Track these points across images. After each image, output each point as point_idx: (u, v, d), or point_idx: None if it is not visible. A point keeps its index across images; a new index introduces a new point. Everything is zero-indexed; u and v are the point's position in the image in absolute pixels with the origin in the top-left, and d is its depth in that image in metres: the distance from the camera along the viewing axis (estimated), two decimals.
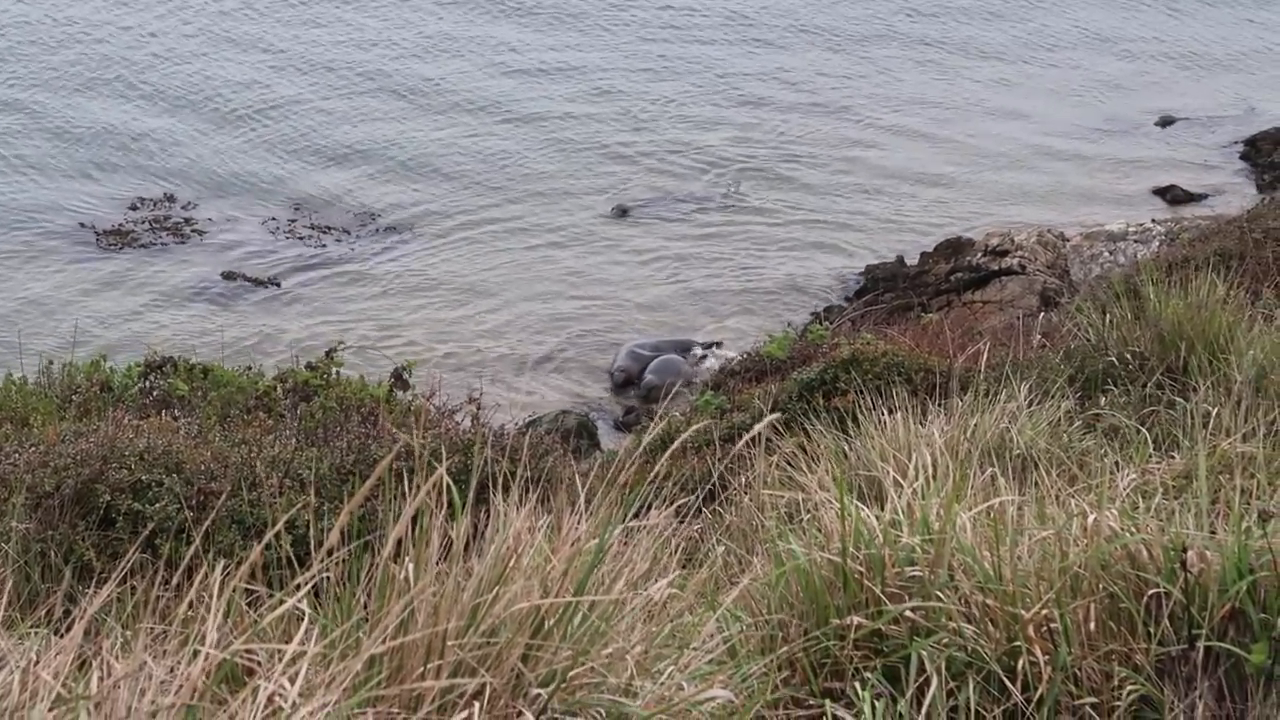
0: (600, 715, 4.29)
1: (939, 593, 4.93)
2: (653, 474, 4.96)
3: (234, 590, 4.07)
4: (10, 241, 23.02)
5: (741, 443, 5.79)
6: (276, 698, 3.76)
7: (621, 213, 24.68)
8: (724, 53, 31.67)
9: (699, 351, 20.40)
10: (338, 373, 11.70)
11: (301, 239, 23.61)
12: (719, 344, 20.54)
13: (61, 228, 23.48)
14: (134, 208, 24.21)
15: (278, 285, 22.17)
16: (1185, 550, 4.76)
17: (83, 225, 23.53)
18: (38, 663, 3.86)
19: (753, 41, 32.26)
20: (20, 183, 24.74)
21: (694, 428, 5.34)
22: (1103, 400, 9.53)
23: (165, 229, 23.64)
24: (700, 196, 25.55)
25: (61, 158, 25.54)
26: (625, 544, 4.82)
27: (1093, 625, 4.84)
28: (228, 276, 22.30)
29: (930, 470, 5.99)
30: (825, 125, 28.47)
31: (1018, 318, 15.27)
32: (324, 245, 23.44)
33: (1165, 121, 29.26)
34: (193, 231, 23.60)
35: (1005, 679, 4.73)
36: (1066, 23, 34.21)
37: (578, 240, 24.02)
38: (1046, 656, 4.74)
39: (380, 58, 30.38)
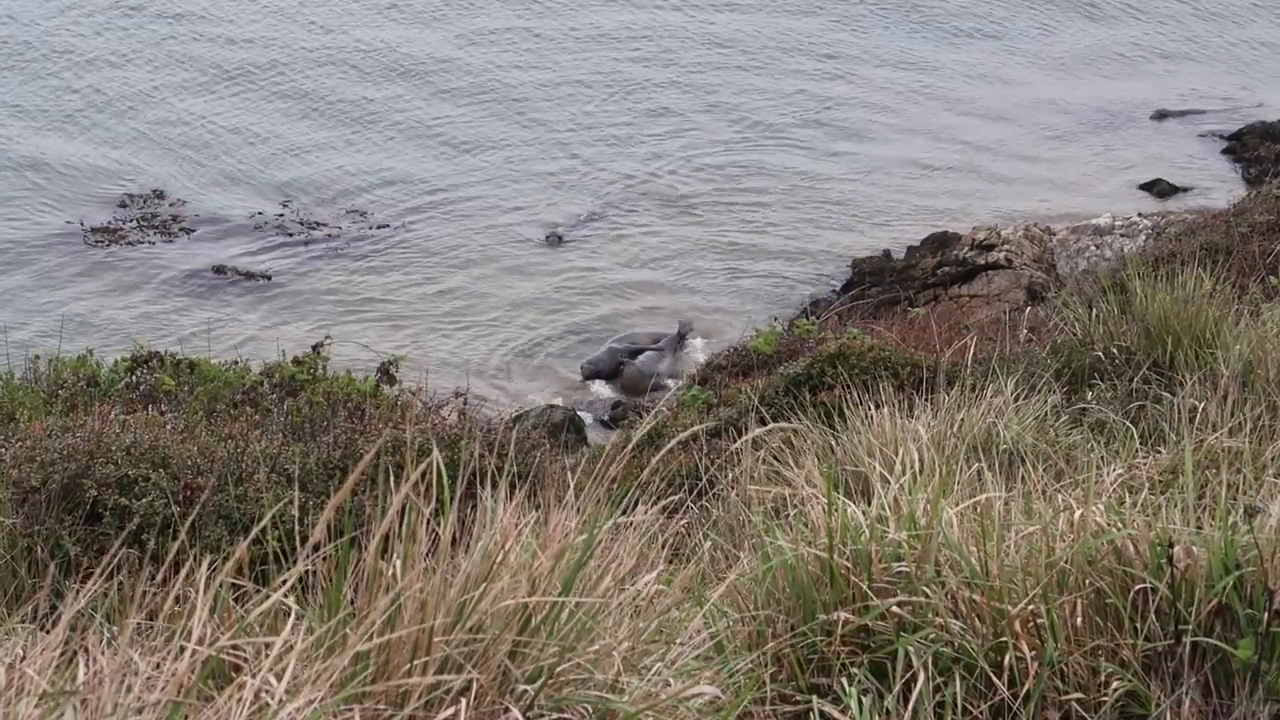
0: (587, 711, 4.28)
1: (926, 588, 4.93)
2: (643, 471, 4.95)
3: (220, 585, 4.06)
4: None
5: (736, 445, 5.79)
6: (263, 694, 3.76)
7: (563, 226, 24.38)
8: (692, 45, 31.64)
9: (697, 344, 20.42)
10: (324, 367, 11.69)
11: (290, 235, 23.57)
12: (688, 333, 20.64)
13: (49, 224, 23.42)
14: (122, 205, 24.15)
15: (267, 278, 22.14)
16: (1172, 545, 4.76)
17: (70, 223, 23.46)
18: (23, 658, 3.85)
19: (723, 37, 32.20)
20: (7, 180, 24.66)
21: (690, 430, 5.34)
22: (1089, 395, 9.53)
23: (153, 226, 23.59)
24: (687, 194, 25.53)
25: (48, 155, 25.46)
26: (613, 539, 4.81)
27: (1079, 621, 4.84)
28: (217, 271, 22.27)
29: (917, 465, 5.99)
30: (810, 120, 28.45)
31: (1004, 312, 15.29)
32: (312, 241, 23.41)
33: (1160, 115, 29.22)
34: (180, 229, 23.55)
35: (992, 674, 4.73)
36: (1059, 16, 34.15)
37: (567, 236, 23.99)
38: (1033, 652, 4.75)
39: (368, 56, 30.32)
